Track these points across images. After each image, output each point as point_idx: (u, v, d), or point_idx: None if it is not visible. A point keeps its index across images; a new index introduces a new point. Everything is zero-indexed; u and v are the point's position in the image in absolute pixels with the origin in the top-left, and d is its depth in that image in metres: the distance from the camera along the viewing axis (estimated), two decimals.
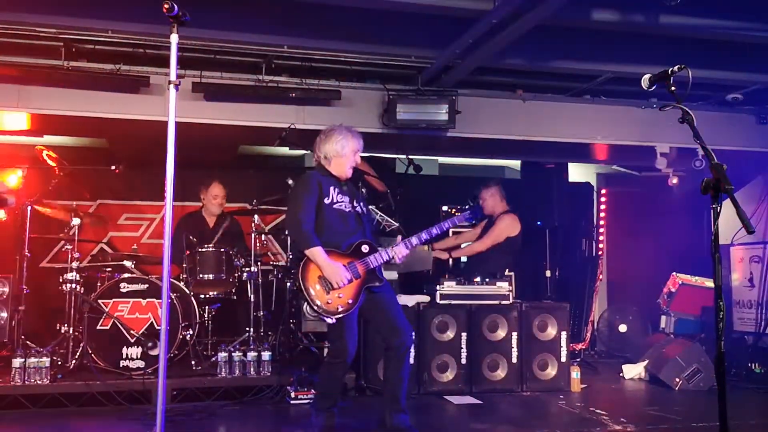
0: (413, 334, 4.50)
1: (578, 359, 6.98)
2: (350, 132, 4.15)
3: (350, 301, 3.88)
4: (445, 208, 7.23)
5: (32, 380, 4.80)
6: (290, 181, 5.95)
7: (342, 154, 4.09)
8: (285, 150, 7.25)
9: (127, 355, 5.16)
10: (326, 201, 4.00)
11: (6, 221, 6.17)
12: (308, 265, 3.86)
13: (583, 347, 7.67)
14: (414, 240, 4.08)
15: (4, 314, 5.61)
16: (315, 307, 3.83)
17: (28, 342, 5.36)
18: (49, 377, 4.84)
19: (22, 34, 5.34)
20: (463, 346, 5.58)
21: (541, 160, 8.22)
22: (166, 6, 2.84)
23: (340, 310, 3.85)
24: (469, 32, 5.05)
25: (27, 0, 4.95)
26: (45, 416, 4.70)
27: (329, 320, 3.84)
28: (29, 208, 5.60)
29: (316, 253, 3.84)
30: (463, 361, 5.57)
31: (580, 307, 8.01)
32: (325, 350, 5.15)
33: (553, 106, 6.78)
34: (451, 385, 5.56)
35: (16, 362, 4.81)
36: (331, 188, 4.05)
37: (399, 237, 4.16)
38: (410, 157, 6.26)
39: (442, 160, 8.57)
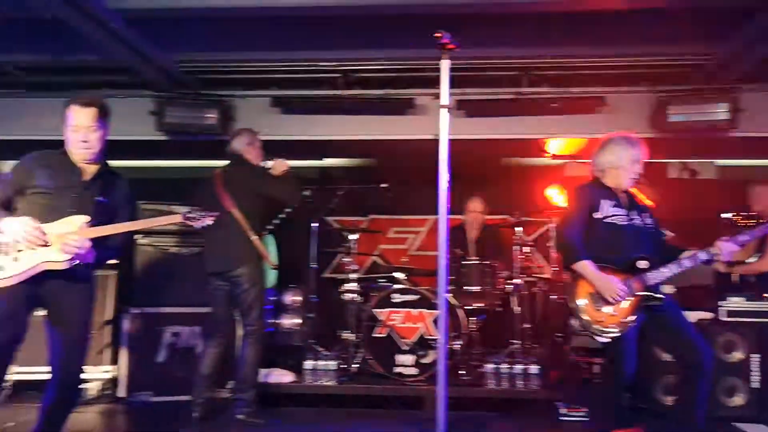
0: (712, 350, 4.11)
1: None
2: (627, 141, 3.94)
3: (625, 320, 3.68)
4: (728, 215, 6.59)
5: (321, 380, 5.31)
6: (551, 192, 5.91)
7: (618, 165, 3.91)
8: (547, 160, 7.18)
9: (401, 362, 5.47)
10: (597, 215, 3.82)
11: (297, 236, 6.88)
12: (579, 281, 3.75)
13: None
14: (741, 238, 3.74)
15: (297, 320, 6.27)
16: (585, 325, 3.70)
17: (316, 346, 5.94)
18: (335, 379, 5.31)
19: (306, 69, 5.97)
20: (755, 368, 5.03)
21: None
22: (438, 35, 2.99)
23: (613, 329, 3.67)
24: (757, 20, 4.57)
25: (310, 39, 5.53)
26: (333, 414, 5.15)
27: (601, 339, 3.69)
28: (314, 224, 6.24)
29: (585, 267, 3.70)
30: (755, 384, 5.03)
31: None
32: (596, 368, 4.99)
33: None
34: (741, 411, 5.04)
35: (308, 364, 5.37)
36: (604, 201, 3.86)
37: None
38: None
39: (720, 162, 7.84)
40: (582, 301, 3.73)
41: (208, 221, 3.65)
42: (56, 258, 3.36)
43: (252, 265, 4.76)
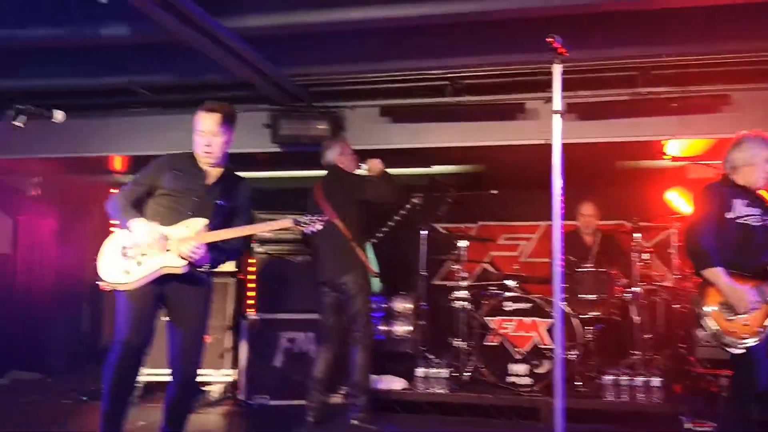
0: None
1: None
2: (763, 140, 3.77)
3: (759, 329, 3.47)
4: None
5: (433, 389, 5.31)
6: (671, 195, 5.65)
7: (752, 163, 3.71)
8: (665, 163, 6.87)
9: (514, 371, 5.38)
10: (729, 215, 3.62)
11: (406, 244, 6.93)
12: (707, 288, 3.56)
13: None
14: None
15: (410, 327, 6.30)
16: (716, 335, 3.51)
17: (427, 353, 5.95)
18: (447, 387, 5.30)
19: (414, 78, 6.01)
20: None
21: None
22: (549, 39, 2.94)
23: (745, 340, 3.47)
24: None
25: (418, 48, 5.56)
26: (445, 422, 5.14)
27: (734, 350, 3.49)
28: (424, 231, 6.25)
29: (716, 274, 3.51)
30: None
31: None
32: (723, 380, 4.72)
33: None
34: None
35: (419, 371, 5.38)
36: (737, 201, 3.66)
37: None
38: None
39: None
40: (711, 310, 3.54)
41: (319, 225, 3.70)
42: (175, 263, 3.54)
43: (357, 273, 4.85)
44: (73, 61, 5.76)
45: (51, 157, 6.93)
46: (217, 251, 3.67)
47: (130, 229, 3.58)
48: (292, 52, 5.60)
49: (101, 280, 3.61)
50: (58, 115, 3.71)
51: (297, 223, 3.67)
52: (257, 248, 5.96)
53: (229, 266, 5.96)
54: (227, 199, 3.75)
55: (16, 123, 3.50)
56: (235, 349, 5.85)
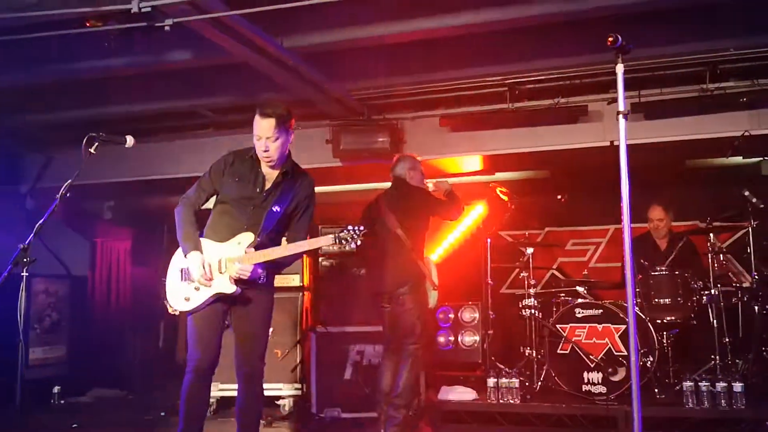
0: None
1: None
2: None
3: None
4: None
5: (505, 399, 5.23)
6: (746, 193, 5.42)
7: None
8: (738, 159, 6.62)
9: (588, 379, 5.25)
10: None
11: (471, 253, 6.89)
12: None
13: None
14: None
15: (476, 338, 6.24)
16: None
17: (497, 363, 5.87)
18: (519, 397, 5.21)
19: (473, 86, 5.98)
20: None
21: None
22: (610, 39, 2.88)
23: None
24: None
25: (475, 56, 5.54)
26: None
27: None
28: (489, 240, 6.20)
29: None
30: None
31: None
32: None
33: None
34: None
35: (490, 382, 5.31)
36: None
37: None
38: None
39: None
40: None
41: (359, 240, 3.58)
42: (227, 288, 3.61)
43: (414, 285, 4.81)
44: (137, 88, 5.98)
45: (122, 180, 7.20)
46: (269, 265, 3.68)
47: (186, 258, 3.67)
48: (349, 67, 5.66)
49: (168, 303, 3.74)
50: (129, 140, 3.87)
51: (339, 239, 3.58)
52: (323, 262, 6.02)
53: (296, 280, 6.04)
54: (285, 201, 3.72)
55: (91, 150, 3.66)
56: (304, 362, 5.91)
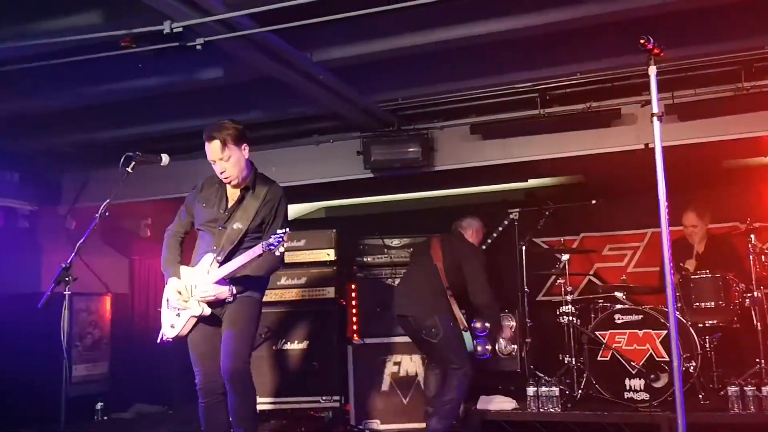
0: None
1: None
2: None
3: None
4: None
5: (545, 408, 5.17)
6: None
7: None
8: None
9: (630, 386, 5.17)
10: None
11: (506, 261, 6.82)
12: None
13: None
14: None
15: (514, 346, 6.18)
16: None
17: (536, 371, 5.81)
18: (559, 406, 5.14)
19: (503, 93, 5.95)
20: None
21: None
22: (642, 40, 2.85)
23: None
24: None
25: (504, 62, 5.51)
26: None
27: None
28: (524, 247, 6.15)
29: None
30: None
31: None
32: None
33: None
34: None
35: (530, 391, 5.25)
36: None
37: None
38: None
39: None
40: None
41: (285, 242, 3.53)
42: (198, 312, 3.72)
43: (444, 317, 4.91)
44: (171, 107, 6.07)
45: (158, 198, 7.30)
46: (246, 279, 3.74)
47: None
48: (378, 78, 5.68)
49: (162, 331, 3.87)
50: (165, 159, 3.94)
51: (267, 246, 3.52)
52: (358, 273, 6.04)
53: (331, 293, 6.06)
54: (247, 217, 3.76)
55: (128, 169, 3.74)
56: (342, 374, 5.91)
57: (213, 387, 3.77)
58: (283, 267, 4.14)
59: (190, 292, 3.71)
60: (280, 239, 3.45)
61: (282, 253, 3.55)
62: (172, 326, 3.78)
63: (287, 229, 3.54)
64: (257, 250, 3.58)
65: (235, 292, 3.73)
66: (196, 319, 3.76)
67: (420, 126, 6.47)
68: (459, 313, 4.96)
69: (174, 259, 3.89)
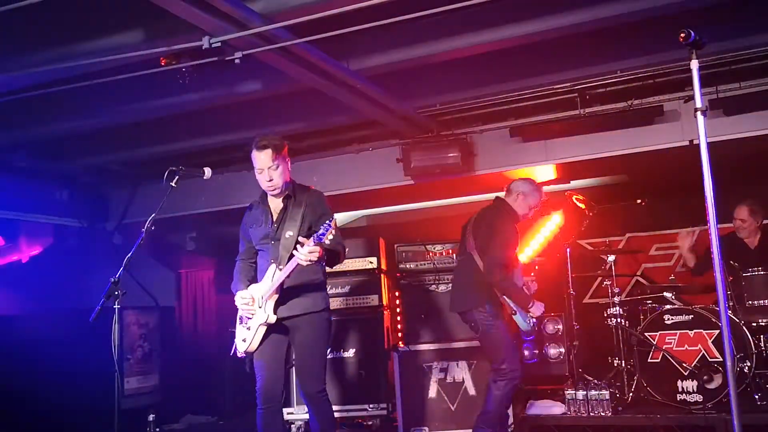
0: None
1: None
2: None
3: None
4: None
5: (596, 412, 5.07)
6: None
7: None
8: None
9: (682, 388, 5.04)
10: None
11: (547, 264, 6.74)
12: None
13: None
14: None
15: (562, 349, 6.10)
16: None
17: (585, 375, 5.71)
18: (610, 409, 5.05)
19: (542, 94, 5.90)
20: None
21: None
22: (682, 35, 2.79)
23: None
24: None
25: (542, 64, 5.47)
26: None
27: None
28: (568, 249, 6.07)
29: None
30: None
31: None
32: None
33: None
34: None
35: (579, 394, 5.16)
36: None
37: None
38: None
39: None
40: None
41: (331, 235, 3.54)
42: (264, 318, 3.82)
43: (484, 308, 4.63)
44: (212, 121, 6.17)
45: (202, 212, 7.42)
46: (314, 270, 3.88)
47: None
48: (416, 84, 5.69)
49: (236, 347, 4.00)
50: (207, 172, 4.02)
51: (318, 237, 3.54)
52: (402, 280, 6.03)
53: (375, 300, 6.07)
54: (295, 224, 3.84)
55: (172, 184, 3.81)
56: (389, 381, 5.91)
57: (273, 394, 3.90)
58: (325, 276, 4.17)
59: (260, 302, 3.84)
60: (328, 227, 3.52)
61: (336, 236, 3.60)
62: (244, 340, 3.90)
63: (333, 217, 3.66)
64: (309, 243, 3.62)
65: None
66: (265, 329, 3.85)
67: (459, 131, 6.45)
68: (504, 298, 4.66)
69: (240, 279, 4.04)
